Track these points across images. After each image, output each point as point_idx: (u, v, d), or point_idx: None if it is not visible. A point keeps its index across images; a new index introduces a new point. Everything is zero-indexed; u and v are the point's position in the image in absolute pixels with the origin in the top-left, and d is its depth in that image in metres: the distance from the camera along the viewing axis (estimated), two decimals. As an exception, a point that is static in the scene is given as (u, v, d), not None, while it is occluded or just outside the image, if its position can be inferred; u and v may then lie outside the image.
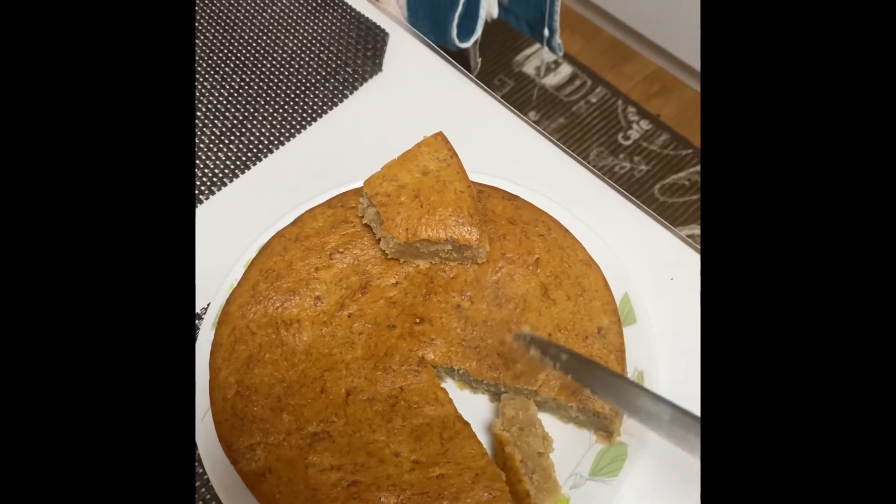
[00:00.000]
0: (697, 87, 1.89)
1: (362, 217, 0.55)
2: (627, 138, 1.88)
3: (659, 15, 1.85)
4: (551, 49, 1.27)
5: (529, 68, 2.00)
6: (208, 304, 0.57)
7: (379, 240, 0.53)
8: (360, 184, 0.60)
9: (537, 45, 2.00)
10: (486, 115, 0.67)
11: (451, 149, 0.54)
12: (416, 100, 0.68)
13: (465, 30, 1.10)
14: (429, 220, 0.51)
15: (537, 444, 0.47)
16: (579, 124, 1.89)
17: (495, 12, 1.15)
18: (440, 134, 0.55)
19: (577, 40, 2.04)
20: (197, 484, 0.51)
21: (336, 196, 0.58)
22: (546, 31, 1.21)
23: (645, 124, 1.89)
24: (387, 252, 0.53)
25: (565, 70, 2.00)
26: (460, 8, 1.05)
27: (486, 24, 1.18)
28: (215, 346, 0.51)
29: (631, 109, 1.93)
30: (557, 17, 1.21)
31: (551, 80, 1.98)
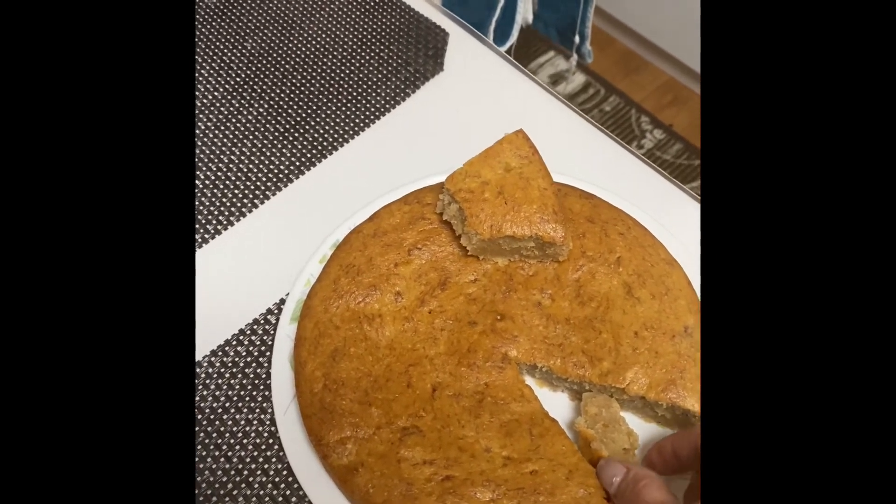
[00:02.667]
0: (712, 97, 1.90)
1: (441, 213, 0.55)
2: (641, 147, 1.89)
3: (672, 25, 1.87)
4: (580, 56, 1.28)
5: (543, 76, 2.01)
6: (282, 298, 0.56)
7: (459, 236, 0.53)
8: (430, 181, 0.60)
9: (551, 53, 2.02)
10: (548, 115, 0.68)
11: (532, 146, 0.54)
12: (478, 99, 0.69)
13: (502, 33, 1.11)
14: (513, 216, 0.51)
15: (622, 441, 0.47)
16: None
17: (530, 17, 1.16)
18: (521, 131, 0.55)
19: (591, 49, 2.05)
20: (276, 480, 0.50)
21: (412, 193, 0.58)
22: (577, 38, 1.22)
23: (658, 134, 1.91)
24: (468, 248, 0.53)
25: (579, 79, 2.01)
26: (498, 12, 1.06)
27: (521, 29, 1.19)
28: (299, 339, 0.51)
29: (644, 119, 1.95)
30: (590, 24, 1.22)
31: (565, 89, 1.99)
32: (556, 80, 2.00)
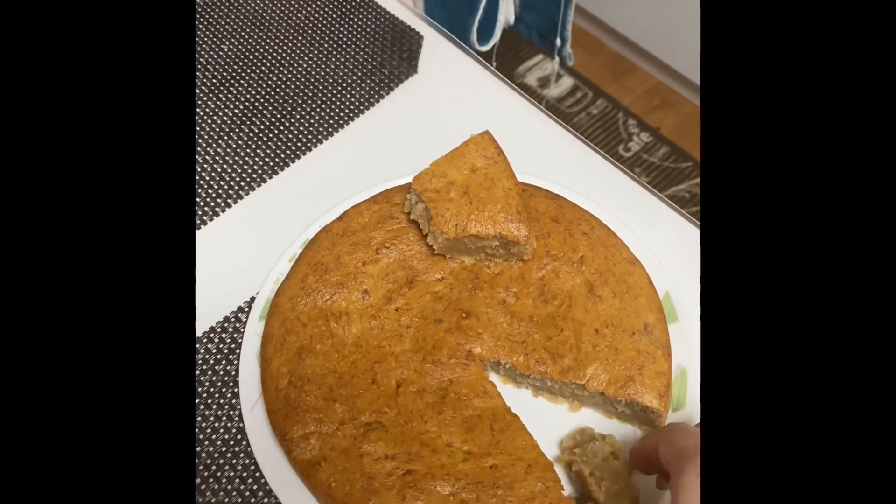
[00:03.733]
0: (697, 101, 1.92)
1: (409, 213, 0.56)
2: (628, 150, 1.91)
3: (660, 30, 1.88)
4: (562, 58, 1.30)
5: (532, 79, 2.02)
6: (252, 297, 0.57)
7: (426, 235, 0.54)
8: (401, 181, 0.61)
9: (540, 57, 2.03)
10: (520, 117, 0.69)
11: (497, 147, 0.55)
12: (450, 101, 0.70)
13: (484, 34, 1.12)
14: (478, 216, 0.52)
15: (603, 449, 0.47)
16: (580, 135, 1.92)
17: (512, 19, 1.17)
18: (487, 132, 0.56)
19: (579, 53, 2.07)
20: (244, 475, 0.51)
21: (381, 192, 0.59)
22: (557, 41, 1.23)
23: (645, 137, 1.92)
24: (434, 247, 0.54)
25: (567, 82, 2.02)
26: (480, 13, 1.07)
27: (505, 31, 1.20)
28: (266, 336, 0.52)
29: (631, 122, 1.96)
30: (570, 27, 1.23)
31: (553, 92, 2.01)
32: (544, 83, 2.01)
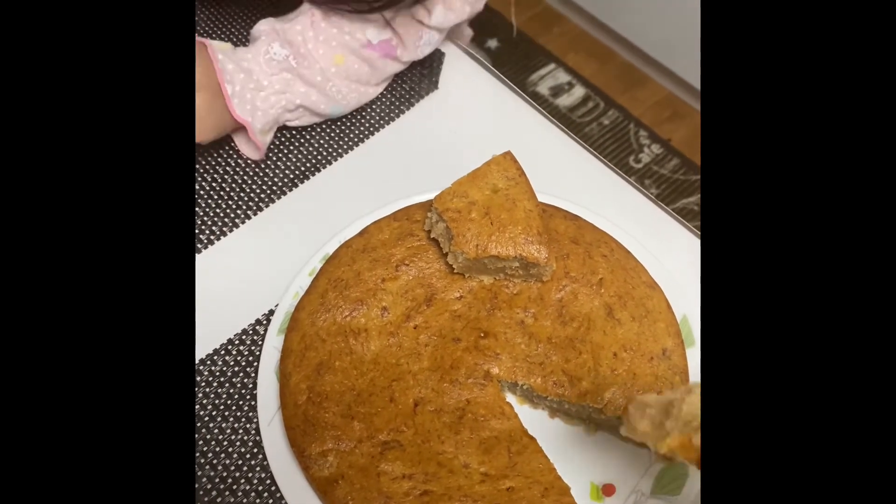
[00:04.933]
0: (710, 114, 1.92)
1: (429, 231, 0.56)
2: (639, 161, 1.91)
3: (673, 41, 1.88)
4: None
5: (543, 88, 2.02)
6: (271, 310, 0.58)
7: (446, 254, 0.54)
8: (420, 198, 0.61)
9: (552, 66, 2.03)
10: (540, 135, 0.69)
11: (519, 168, 0.55)
12: (471, 118, 0.70)
13: None
14: (499, 237, 0.52)
15: (685, 411, 0.37)
16: (591, 146, 1.92)
17: None
18: (509, 153, 0.56)
19: (591, 63, 2.07)
20: (260, 489, 0.51)
21: (401, 209, 0.59)
22: None
23: (656, 148, 1.92)
24: (454, 267, 0.54)
25: (578, 92, 2.02)
26: None
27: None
28: (286, 351, 0.52)
29: (643, 133, 1.96)
30: None
31: (564, 101, 2.01)
32: (556, 92, 2.01)
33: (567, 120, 1.93)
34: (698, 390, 0.37)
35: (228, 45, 0.61)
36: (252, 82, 0.60)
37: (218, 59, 0.58)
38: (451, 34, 0.74)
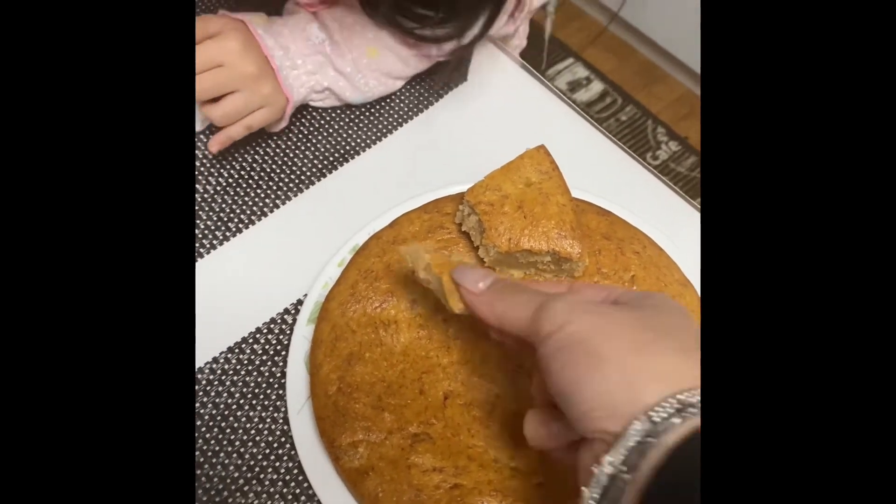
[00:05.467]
0: (729, 112, 1.90)
1: (460, 224, 0.56)
2: (656, 158, 1.90)
3: (693, 38, 1.86)
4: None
5: (561, 83, 2.01)
6: (299, 299, 0.57)
7: (477, 247, 0.54)
8: (450, 190, 0.60)
9: (570, 60, 2.02)
10: (569, 129, 0.69)
11: (552, 161, 0.55)
12: (500, 110, 0.69)
13: None
14: (532, 231, 0.52)
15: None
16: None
17: None
18: (542, 147, 0.56)
19: (610, 59, 2.06)
20: (287, 478, 0.51)
21: (431, 202, 0.59)
22: None
23: (674, 146, 1.91)
24: (485, 260, 0.54)
25: (596, 87, 2.01)
26: None
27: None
28: (316, 341, 0.52)
29: (660, 130, 1.95)
30: None
31: (582, 97, 2.00)
32: (573, 87, 2.00)
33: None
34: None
35: (262, 17, 0.61)
36: (288, 59, 0.60)
37: (259, 33, 0.58)
38: (499, 41, 0.74)
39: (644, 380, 0.29)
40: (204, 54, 0.55)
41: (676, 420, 0.28)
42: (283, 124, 0.64)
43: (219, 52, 0.55)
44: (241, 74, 0.56)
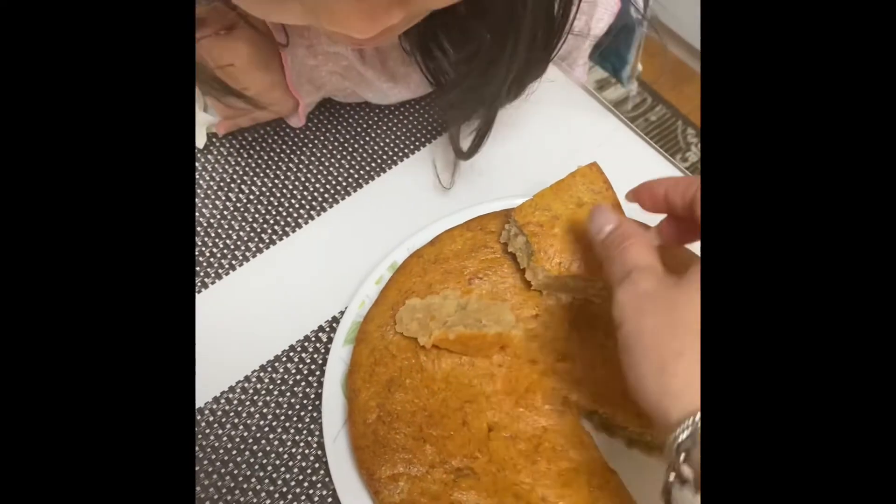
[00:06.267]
0: (762, 115, 1.86)
1: (505, 244, 0.53)
2: (685, 160, 1.86)
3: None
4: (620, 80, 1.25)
5: (589, 81, 1.97)
6: (334, 316, 0.55)
7: (524, 269, 0.51)
8: (493, 206, 0.58)
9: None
10: (622, 146, 0.66)
11: (605, 180, 0.52)
12: (549, 125, 0.66)
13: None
14: (584, 255, 0.49)
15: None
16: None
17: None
18: (595, 164, 0.53)
19: (640, 57, 2.00)
20: (321, 506, 0.49)
21: (474, 219, 0.56)
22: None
23: (704, 148, 1.86)
24: (533, 283, 0.51)
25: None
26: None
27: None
28: (354, 365, 0.50)
29: (690, 131, 1.91)
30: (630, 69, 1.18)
31: (611, 95, 1.95)
32: (602, 85, 1.96)
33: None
34: (453, 294, 0.51)
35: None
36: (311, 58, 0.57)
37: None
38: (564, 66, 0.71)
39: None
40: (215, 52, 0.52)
41: None
42: (300, 123, 0.63)
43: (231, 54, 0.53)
44: (251, 78, 0.54)
